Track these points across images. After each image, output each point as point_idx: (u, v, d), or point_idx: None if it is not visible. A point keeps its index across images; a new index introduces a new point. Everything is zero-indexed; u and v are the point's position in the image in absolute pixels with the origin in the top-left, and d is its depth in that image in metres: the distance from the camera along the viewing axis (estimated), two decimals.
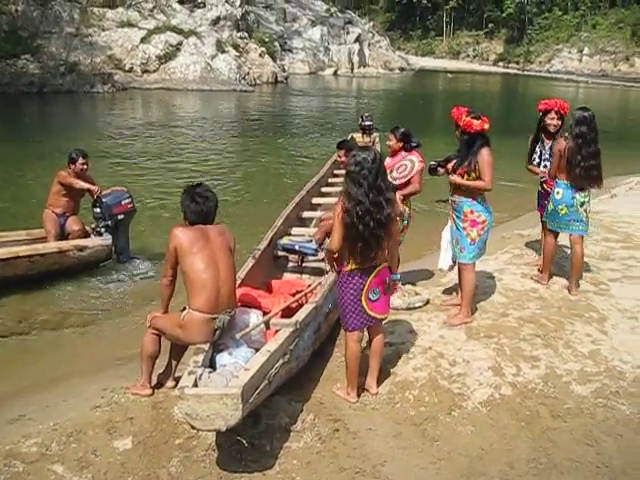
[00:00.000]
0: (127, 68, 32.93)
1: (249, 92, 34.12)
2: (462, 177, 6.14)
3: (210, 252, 4.72)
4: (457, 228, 6.36)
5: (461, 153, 6.17)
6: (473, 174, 6.08)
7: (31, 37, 29.62)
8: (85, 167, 8.45)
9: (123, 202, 8.54)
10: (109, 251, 8.52)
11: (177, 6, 38.50)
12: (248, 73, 37.31)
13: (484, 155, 6.02)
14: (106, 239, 8.44)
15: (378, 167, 4.63)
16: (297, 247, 7.30)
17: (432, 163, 6.61)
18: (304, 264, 7.52)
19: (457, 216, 6.34)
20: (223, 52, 36.42)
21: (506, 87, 55.65)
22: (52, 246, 8.12)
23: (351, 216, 4.56)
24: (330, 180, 10.63)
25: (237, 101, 31.10)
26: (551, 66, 74.30)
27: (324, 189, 10.10)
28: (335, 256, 4.80)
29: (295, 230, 8.01)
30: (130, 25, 34.51)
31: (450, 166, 6.31)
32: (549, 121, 7.57)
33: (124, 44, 33.28)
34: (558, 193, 7.16)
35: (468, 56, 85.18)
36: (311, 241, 7.33)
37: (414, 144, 6.92)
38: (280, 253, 7.44)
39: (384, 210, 4.62)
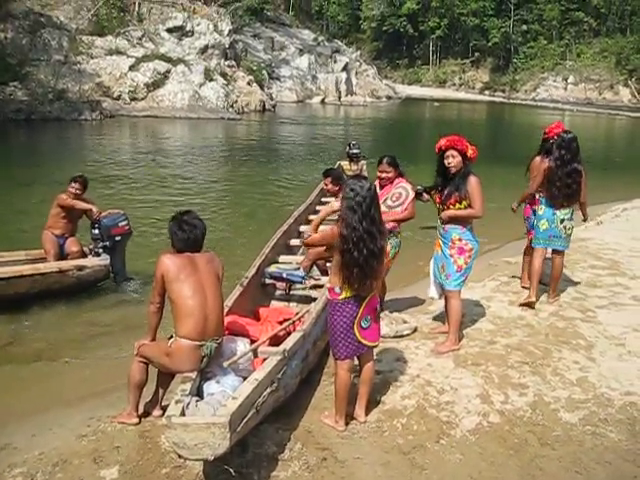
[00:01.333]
0: (115, 96, 32.92)
1: (237, 120, 34.17)
2: (454, 206, 6.20)
3: (197, 279, 4.72)
4: (444, 255, 6.39)
5: (453, 182, 6.20)
6: (464, 202, 6.14)
7: (20, 64, 29.64)
8: (76, 192, 8.62)
9: (120, 224, 8.75)
10: (107, 271, 8.70)
11: (165, 34, 38.65)
12: (236, 101, 37.42)
13: (473, 183, 6.10)
14: (104, 259, 8.62)
15: (372, 196, 4.67)
16: (285, 275, 7.30)
17: (419, 187, 6.67)
18: (292, 292, 7.51)
19: (444, 242, 6.38)
20: (211, 80, 36.53)
21: (492, 115, 56.05)
22: (53, 266, 8.28)
23: (347, 242, 4.59)
24: (317, 208, 10.62)
25: (225, 129, 31.17)
26: (537, 94, 74.97)
27: (311, 217, 10.09)
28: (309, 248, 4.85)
29: (282, 258, 8.01)
30: (119, 53, 34.57)
31: (437, 198, 6.38)
32: None
33: (112, 72, 33.30)
34: (540, 209, 7.67)
35: (454, 84, 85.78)
36: (299, 269, 7.33)
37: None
38: (268, 281, 7.42)
39: (377, 241, 4.66)
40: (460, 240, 6.27)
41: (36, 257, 8.58)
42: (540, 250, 7.75)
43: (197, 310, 4.67)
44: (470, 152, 6.10)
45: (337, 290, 4.74)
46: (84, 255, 8.74)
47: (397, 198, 6.77)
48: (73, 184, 8.62)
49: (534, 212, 8.06)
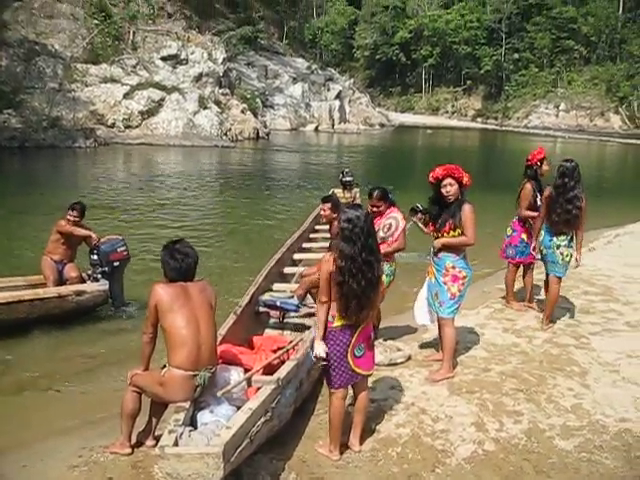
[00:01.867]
0: (109, 123, 32.96)
1: (231, 148, 34.21)
2: (447, 234, 6.22)
3: (190, 309, 4.72)
4: (437, 282, 6.40)
5: (449, 210, 6.23)
6: (458, 230, 6.18)
7: (14, 92, 29.68)
8: (74, 219, 8.74)
9: (119, 249, 8.85)
10: (105, 296, 8.77)
11: (160, 63, 38.79)
12: (230, 129, 37.51)
13: (467, 211, 6.14)
14: (103, 284, 8.69)
15: (369, 226, 4.68)
16: (278, 303, 7.29)
17: (417, 205, 6.69)
18: (285, 320, 7.50)
19: (438, 270, 6.40)
20: (205, 108, 36.63)
21: (485, 142, 56.35)
22: (52, 291, 8.39)
23: (344, 274, 4.58)
24: (311, 235, 10.66)
25: (219, 157, 31.20)
26: (529, 122, 75.35)
27: (305, 244, 10.13)
28: (326, 307, 4.77)
29: (276, 286, 8.02)
30: (113, 81, 34.64)
31: (431, 226, 6.41)
32: (546, 167, 8.30)
33: (107, 99, 33.37)
34: (541, 235, 7.84)
35: (447, 112, 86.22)
36: (292, 297, 7.33)
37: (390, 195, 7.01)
38: (261, 309, 7.42)
39: (374, 270, 4.67)
40: (454, 268, 6.29)
41: (35, 283, 8.66)
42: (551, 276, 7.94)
43: (190, 340, 4.66)
44: (465, 180, 6.15)
45: (330, 318, 4.74)
46: (83, 281, 8.81)
47: (388, 229, 6.79)
48: (71, 212, 8.72)
49: (522, 240, 8.23)
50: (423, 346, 7.39)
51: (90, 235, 8.80)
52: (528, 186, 8.22)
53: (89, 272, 8.86)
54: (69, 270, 8.79)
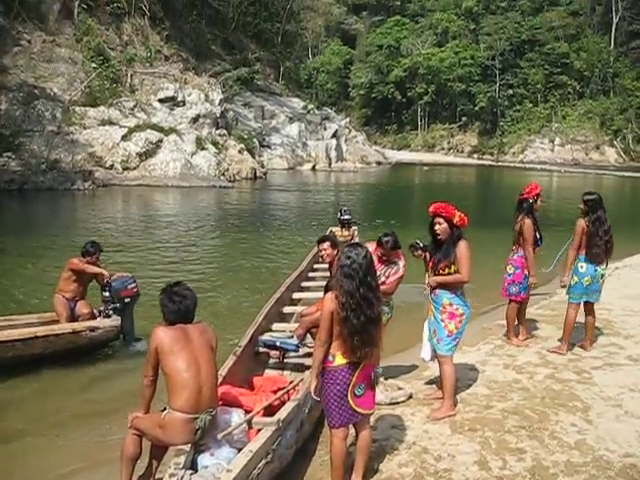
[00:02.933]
0: (108, 165, 33.06)
1: (228, 188, 34.29)
2: (443, 271, 6.24)
3: (191, 351, 4.71)
4: (435, 319, 6.41)
5: (442, 249, 6.26)
6: (454, 267, 6.19)
7: (13, 135, 29.90)
8: (95, 260, 9.05)
9: (129, 286, 9.10)
10: (117, 332, 8.97)
11: (157, 105, 39.12)
12: (227, 169, 37.59)
13: (462, 248, 6.16)
14: (115, 320, 8.90)
15: (368, 264, 4.73)
16: (278, 343, 7.28)
17: (417, 242, 6.74)
18: (285, 360, 7.48)
19: (435, 307, 6.41)
20: (203, 149, 36.79)
21: (481, 178, 56.55)
22: (67, 327, 8.60)
23: (346, 309, 4.61)
24: (310, 275, 10.66)
25: (217, 197, 31.26)
26: (524, 156, 75.85)
27: (304, 284, 10.12)
28: (324, 347, 4.78)
29: (276, 326, 8.01)
30: (111, 123, 34.86)
31: (430, 263, 6.44)
32: (540, 203, 8.54)
33: (105, 142, 33.53)
34: (582, 267, 8.04)
35: (443, 149, 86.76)
36: (292, 337, 7.32)
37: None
38: (261, 349, 7.41)
39: (374, 307, 4.69)
40: (451, 305, 6.30)
41: (48, 320, 8.84)
42: (576, 306, 8.21)
43: (191, 382, 4.65)
44: (457, 219, 6.15)
45: (330, 358, 4.73)
46: (94, 317, 9.00)
47: (387, 274, 6.83)
48: (98, 254, 9.03)
49: (525, 276, 8.25)
50: (424, 384, 7.36)
51: (102, 272, 9.01)
52: (529, 221, 8.25)
53: (100, 308, 9.02)
54: (81, 307, 8.97)
